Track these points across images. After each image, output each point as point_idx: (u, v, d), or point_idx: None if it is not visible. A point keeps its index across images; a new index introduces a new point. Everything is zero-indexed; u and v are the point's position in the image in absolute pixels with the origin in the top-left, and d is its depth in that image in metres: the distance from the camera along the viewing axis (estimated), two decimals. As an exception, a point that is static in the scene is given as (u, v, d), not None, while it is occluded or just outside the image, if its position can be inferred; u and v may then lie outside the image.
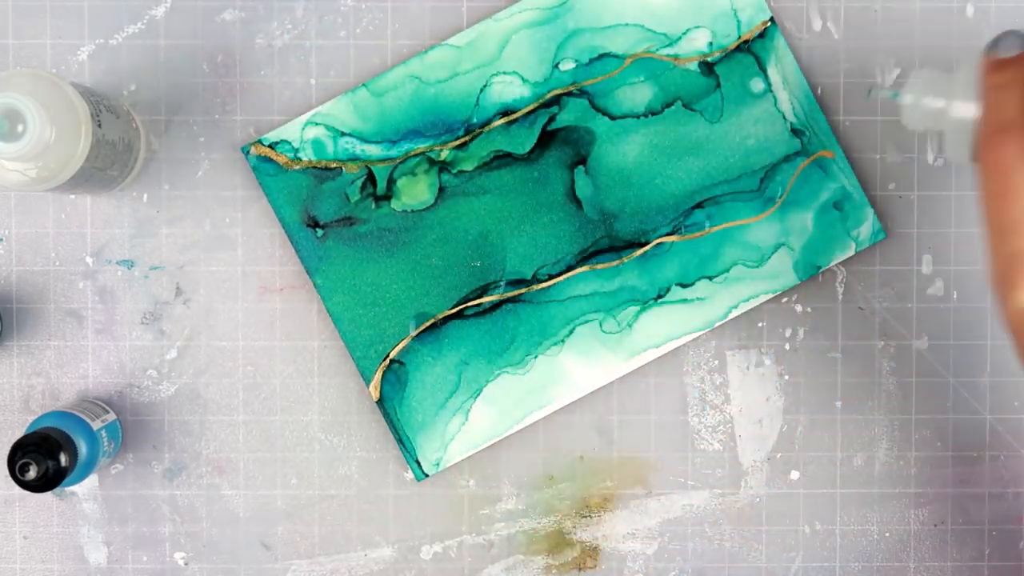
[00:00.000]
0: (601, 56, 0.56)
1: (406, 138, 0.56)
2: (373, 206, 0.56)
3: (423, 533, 0.59)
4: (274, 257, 0.58)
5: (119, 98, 0.58)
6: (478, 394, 0.57)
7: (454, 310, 0.56)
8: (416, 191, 0.56)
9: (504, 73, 0.56)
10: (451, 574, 0.59)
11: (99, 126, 0.51)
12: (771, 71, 0.57)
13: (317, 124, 0.56)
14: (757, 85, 0.57)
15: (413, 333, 0.56)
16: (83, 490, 0.58)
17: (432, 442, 0.56)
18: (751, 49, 0.57)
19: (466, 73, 0.56)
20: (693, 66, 0.56)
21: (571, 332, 0.57)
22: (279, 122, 0.58)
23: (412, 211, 0.56)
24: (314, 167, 0.56)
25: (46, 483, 0.51)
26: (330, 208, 0.56)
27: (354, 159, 0.56)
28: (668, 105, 0.57)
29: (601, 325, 0.57)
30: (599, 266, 0.56)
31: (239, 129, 0.58)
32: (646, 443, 0.59)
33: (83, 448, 0.53)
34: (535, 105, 0.56)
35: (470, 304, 0.56)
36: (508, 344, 0.56)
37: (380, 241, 0.56)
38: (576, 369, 0.57)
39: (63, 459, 0.51)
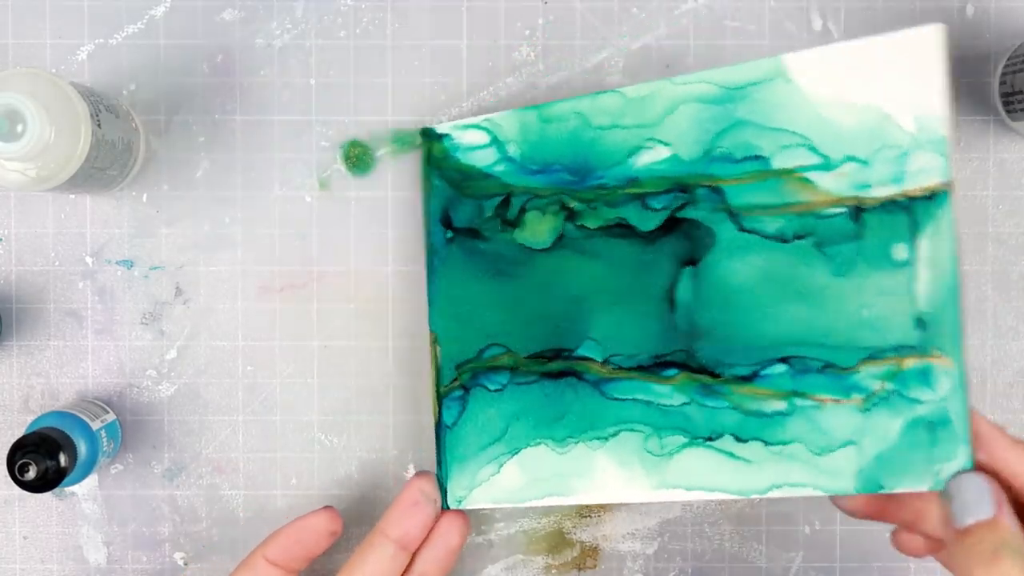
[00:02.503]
0: (754, 157, 0.50)
1: (551, 172, 0.53)
2: (499, 228, 0.54)
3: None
4: (274, 257, 0.58)
5: (119, 98, 0.58)
6: (515, 453, 0.53)
7: (529, 360, 0.53)
8: (539, 229, 0.53)
9: (659, 141, 0.51)
10: (451, 574, 0.59)
11: (99, 126, 0.51)
12: (922, 243, 0.47)
13: (483, 129, 0.55)
14: (900, 252, 0.48)
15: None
16: (83, 490, 0.58)
17: (463, 479, 0.54)
18: (911, 207, 0.48)
19: (625, 128, 0.52)
20: (842, 200, 0.49)
21: (616, 434, 0.52)
22: (279, 122, 0.58)
23: (528, 247, 0.54)
24: (463, 171, 0.55)
25: (46, 483, 0.51)
26: (465, 214, 0.55)
27: (500, 179, 0.54)
28: (799, 237, 0.50)
29: (646, 441, 0.51)
30: (663, 380, 0.51)
31: (239, 129, 0.58)
32: (646, 443, 0.59)
33: (83, 448, 0.53)
34: (672, 187, 0.51)
35: (543, 360, 0.53)
36: (559, 417, 0.53)
37: (493, 266, 0.54)
38: (608, 472, 0.52)
39: (63, 459, 0.51)
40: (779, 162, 0.50)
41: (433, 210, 0.55)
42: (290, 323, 0.58)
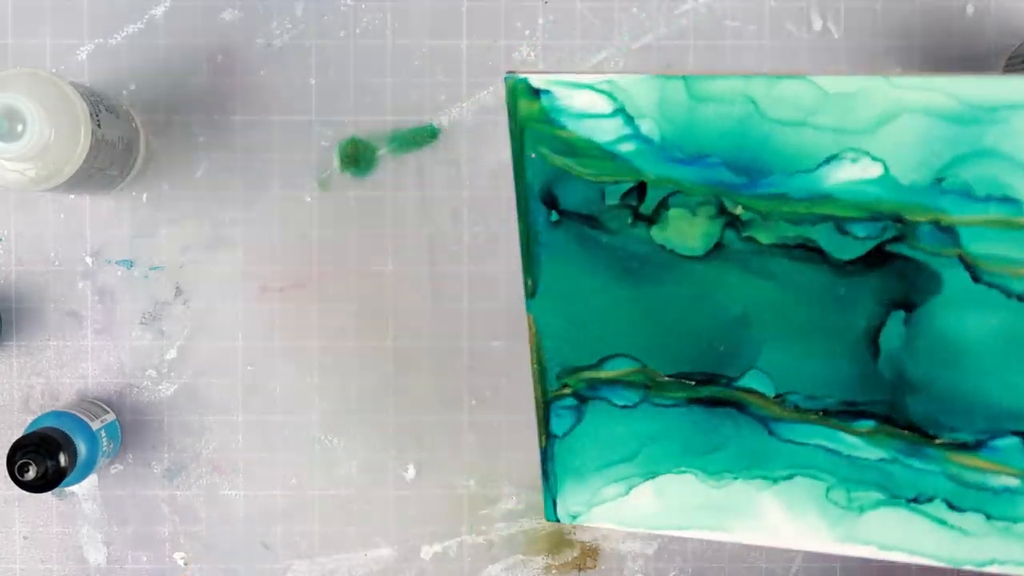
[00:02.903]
0: (1002, 198, 0.41)
1: (704, 163, 0.43)
2: (629, 220, 0.44)
3: (423, 533, 0.59)
4: (274, 257, 0.58)
5: (119, 98, 0.58)
6: (651, 477, 0.46)
7: (672, 380, 0.45)
8: (687, 232, 0.44)
9: (867, 154, 0.41)
10: (451, 574, 0.59)
11: (99, 126, 0.51)
12: None
13: (605, 93, 0.43)
14: None
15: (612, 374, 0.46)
16: (83, 490, 0.58)
17: (579, 494, 0.47)
18: None
19: (819, 129, 0.41)
20: None
21: (789, 477, 0.45)
22: (279, 122, 0.58)
23: (672, 251, 0.44)
24: (572, 145, 0.43)
25: (46, 483, 0.51)
26: (577, 196, 0.44)
27: (629, 162, 0.43)
28: None
29: (828, 491, 0.45)
30: (854, 432, 0.44)
31: (239, 129, 0.58)
32: (646, 443, 0.59)
33: (83, 448, 0.53)
34: (882, 215, 0.42)
35: (689, 382, 0.45)
36: (712, 449, 0.46)
37: (619, 264, 0.44)
38: (775, 516, 0.46)
39: (63, 459, 0.51)
40: None
41: (531, 183, 0.45)
42: (290, 323, 0.58)
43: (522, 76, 0.43)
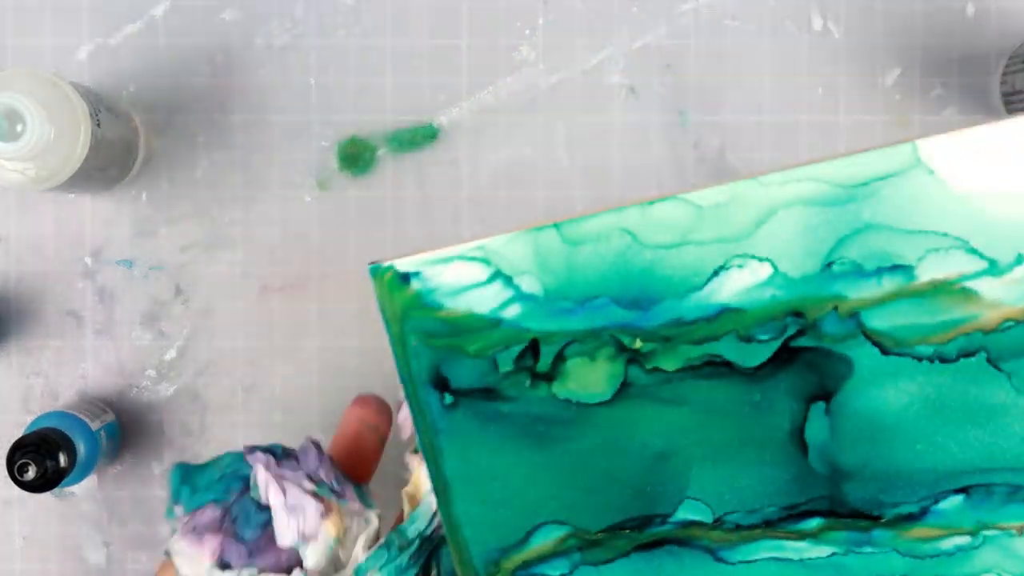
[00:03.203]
0: (891, 268, 0.41)
1: (593, 306, 0.42)
2: (528, 383, 0.42)
3: (423, 533, 0.59)
4: (274, 257, 0.58)
5: (119, 98, 0.58)
6: None
7: (605, 534, 0.44)
8: (590, 379, 0.42)
9: (753, 257, 0.41)
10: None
11: (98, 126, 0.51)
12: None
13: (477, 260, 0.41)
14: None
15: (551, 544, 0.43)
16: (82, 490, 0.58)
17: None
18: None
19: (701, 244, 0.41)
20: (1021, 310, 0.42)
21: None
22: (279, 122, 0.58)
23: (579, 403, 0.42)
24: (452, 324, 0.42)
25: (45, 483, 0.51)
26: (468, 372, 0.42)
27: (517, 325, 0.42)
28: (968, 355, 0.42)
29: None
30: (801, 535, 0.43)
31: (239, 129, 0.58)
32: (646, 443, 0.58)
33: (82, 448, 0.53)
34: (783, 314, 0.42)
35: (624, 531, 0.44)
36: None
37: (526, 430, 0.43)
38: None
39: (62, 459, 0.51)
40: (927, 271, 0.41)
41: (416, 373, 0.43)
42: (290, 323, 0.58)
43: (387, 264, 0.41)
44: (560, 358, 0.42)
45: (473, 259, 0.41)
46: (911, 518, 0.43)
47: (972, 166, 0.41)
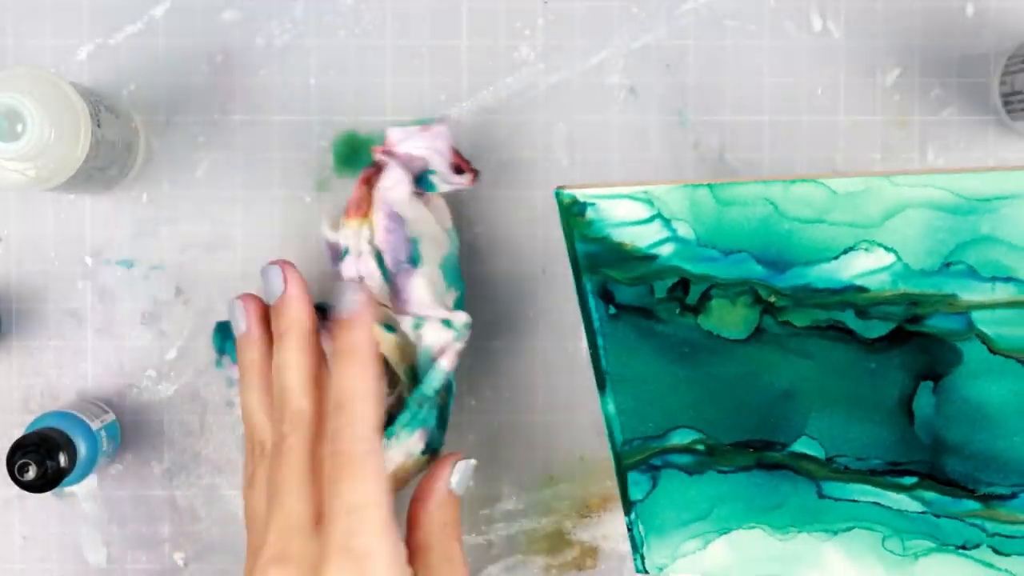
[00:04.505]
0: (1006, 279, 0.45)
1: (735, 259, 0.48)
2: (678, 311, 0.49)
3: (423, 533, 0.59)
4: (274, 257, 0.58)
5: (119, 98, 0.58)
6: (724, 532, 0.51)
7: (732, 448, 0.50)
8: (730, 319, 0.49)
9: (880, 245, 0.46)
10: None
11: (99, 126, 0.51)
12: None
13: (642, 200, 0.48)
14: None
15: (679, 444, 0.50)
16: (82, 490, 0.58)
17: (663, 549, 0.52)
18: None
19: (834, 225, 0.46)
20: None
21: (848, 530, 0.49)
22: (279, 122, 0.58)
23: (719, 336, 0.49)
24: (618, 252, 0.48)
25: (45, 483, 0.51)
26: (630, 292, 0.49)
27: (668, 262, 0.48)
28: None
29: (884, 541, 0.49)
30: (900, 488, 0.49)
31: (239, 129, 0.58)
32: (646, 443, 0.59)
33: (82, 448, 0.53)
34: (902, 300, 0.47)
35: (748, 449, 0.50)
36: (775, 506, 0.50)
37: (675, 348, 0.49)
38: (840, 565, 0.50)
39: (62, 459, 0.51)
40: None
41: (587, 285, 0.50)
42: (290, 323, 0.58)
43: (568, 192, 0.48)
44: (706, 296, 0.48)
45: (639, 199, 0.48)
46: (1001, 498, 0.48)
47: None
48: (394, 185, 0.51)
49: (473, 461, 0.50)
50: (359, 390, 0.46)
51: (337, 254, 0.52)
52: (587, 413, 0.58)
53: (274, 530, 0.45)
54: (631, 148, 0.58)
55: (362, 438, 0.45)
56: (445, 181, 0.53)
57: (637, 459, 0.51)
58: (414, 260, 0.51)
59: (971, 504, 0.48)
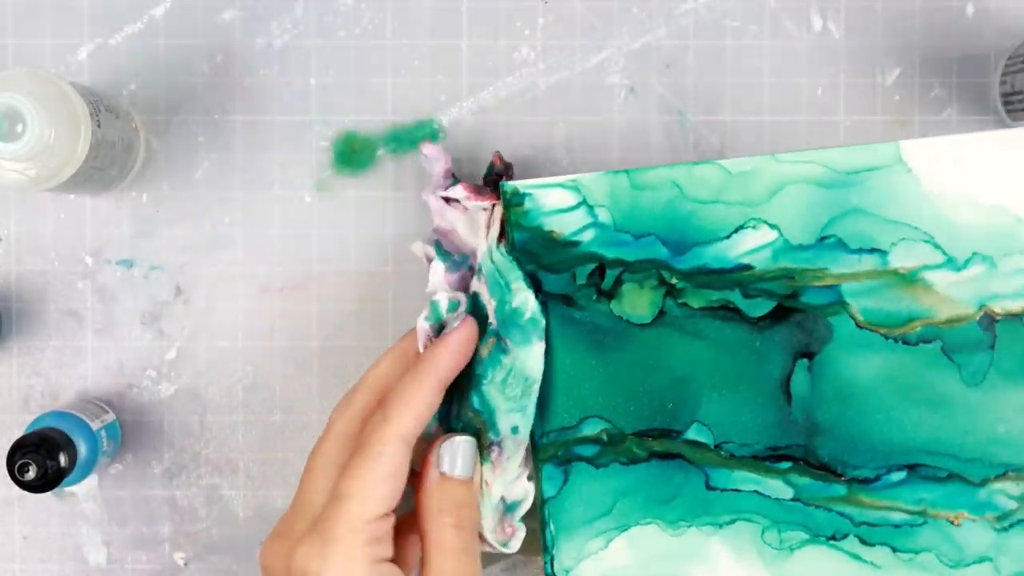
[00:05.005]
0: (870, 250, 0.48)
1: (645, 242, 0.50)
2: (594, 297, 0.51)
3: (423, 533, 0.58)
4: (274, 257, 0.58)
5: (119, 98, 0.58)
6: (623, 530, 0.51)
7: (635, 437, 0.51)
8: (638, 303, 0.50)
9: (765, 222, 0.49)
10: None
11: (99, 126, 0.51)
12: None
13: (571, 189, 0.50)
14: None
15: (589, 434, 0.51)
16: (83, 490, 0.58)
17: (570, 549, 0.52)
18: None
19: (728, 204, 0.49)
20: (970, 310, 0.48)
21: (732, 522, 0.50)
22: (279, 122, 0.58)
23: (628, 321, 0.51)
24: (547, 239, 0.51)
25: (45, 483, 0.51)
26: (554, 280, 0.51)
27: (589, 248, 0.50)
28: (925, 341, 0.48)
29: (763, 533, 0.50)
30: (778, 473, 0.50)
31: (239, 129, 0.58)
32: (646, 443, 0.58)
33: (82, 448, 0.53)
34: (781, 275, 0.49)
35: (648, 438, 0.51)
36: (669, 499, 0.51)
37: (589, 336, 0.51)
38: (724, 560, 0.51)
39: (62, 459, 0.51)
40: (898, 258, 0.48)
41: (521, 274, 0.51)
42: (290, 323, 0.58)
43: (510, 184, 0.50)
44: (618, 281, 0.51)
45: (567, 187, 0.50)
46: (865, 482, 0.49)
47: (945, 170, 0.48)
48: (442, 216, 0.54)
49: (461, 438, 0.49)
50: (406, 395, 0.47)
51: (430, 258, 0.53)
52: (587, 413, 0.58)
53: (292, 506, 0.47)
54: (631, 148, 0.58)
55: (381, 438, 0.46)
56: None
57: (551, 452, 0.51)
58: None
59: (839, 489, 0.49)
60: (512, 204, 0.51)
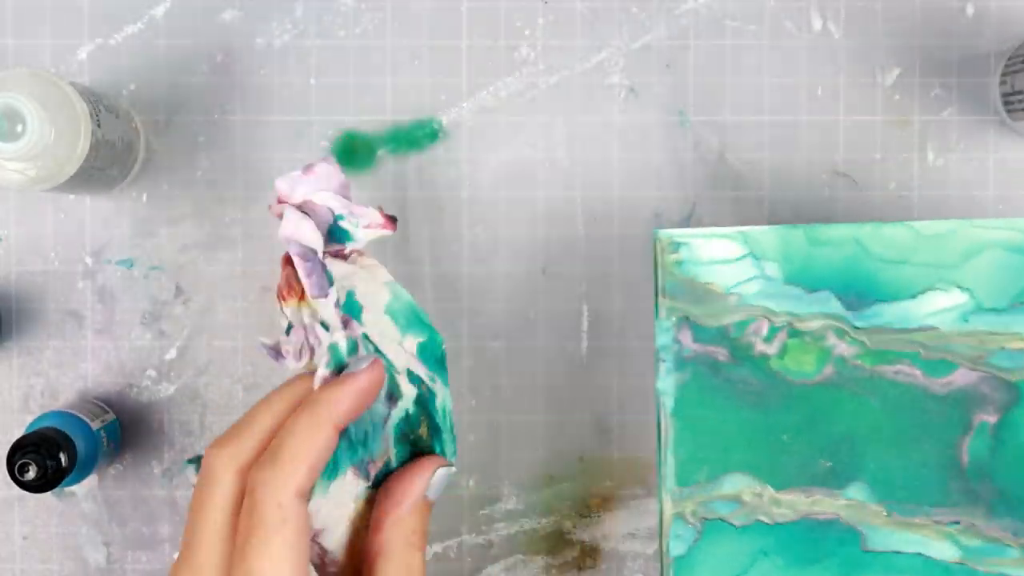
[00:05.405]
0: None
1: (820, 296, 0.49)
2: (752, 352, 0.49)
3: (423, 533, 0.59)
4: (274, 257, 0.58)
5: (119, 98, 0.58)
6: None
7: (784, 494, 0.49)
8: (802, 359, 0.49)
9: (956, 285, 0.49)
10: (451, 574, 0.59)
11: (98, 126, 0.51)
12: None
13: (736, 240, 0.49)
14: None
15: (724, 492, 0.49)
16: (82, 490, 0.58)
17: None
18: None
19: (916, 265, 0.49)
20: None
21: None
22: (279, 122, 0.58)
23: (788, 378, 0.49)
24: (701, 290, 0.49)
25: (45, 483, 0.51)
26: (707, 332, 0.49)
27: (750, 301, 0.49)
28: None
29: None
30: (945, 535, 0.49)
31: (239, 129, 0.58)
32: (646, 443, 0.59)
33: (82, 448, 0.53)
34: (969, 337, 0.49)
35: (800, 495, 0.49)
36: (816, 560, 0.49)
37: (739, 389, 0.49)
38: None
39: (62, 459, 0.51)
40: None
41: (666, 321, 0.50)
42: (290, 323, 0.58)
43: (667, 232, 0.49)
44: (782, 336, 0.49)
45: (733, 238, 0.49)
46: None
47: None
48: (295, 227, 0.42)
49: (453, 469, 0.45)
50: (303, 443, 0.40)
51: (276, 350, 0.44)
52: (587, 413, 0.58)
53: None
54: (631, 148, 0.58)
55: (280, 500, 0.39)
56: (358, 222, 0.45)
57: (685, 508, 0.49)
58: (351, 308, 0.44)
59: (1012, 552, 0.49)
60: (666, 252, 0.49)
